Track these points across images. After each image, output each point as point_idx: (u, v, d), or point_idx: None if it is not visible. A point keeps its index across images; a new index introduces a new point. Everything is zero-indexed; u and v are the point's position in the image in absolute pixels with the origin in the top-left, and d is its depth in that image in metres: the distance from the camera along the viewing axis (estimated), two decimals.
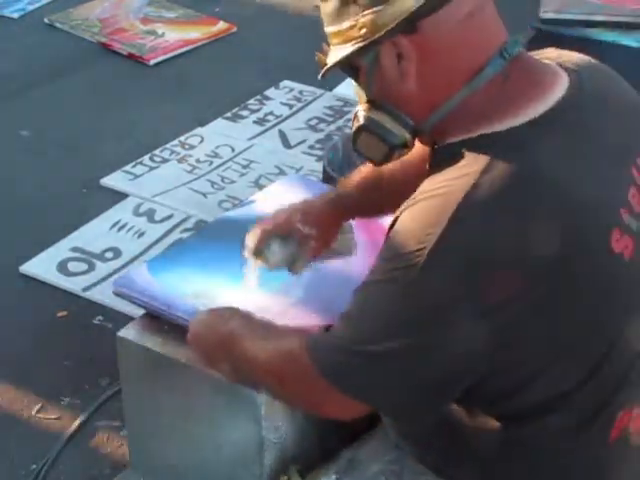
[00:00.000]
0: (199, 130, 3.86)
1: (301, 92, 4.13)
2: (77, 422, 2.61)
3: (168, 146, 3.76)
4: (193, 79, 4.27)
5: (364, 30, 1.53)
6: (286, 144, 3.79)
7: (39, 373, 2.77)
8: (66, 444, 2.56)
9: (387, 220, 2.34)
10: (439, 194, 1.47)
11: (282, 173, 3.55)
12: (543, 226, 1.44)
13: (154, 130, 3.86)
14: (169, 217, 3.36)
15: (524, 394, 1.54)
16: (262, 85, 4.16)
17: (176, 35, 4.58)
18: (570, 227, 1.46)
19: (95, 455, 2.53)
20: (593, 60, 1.70)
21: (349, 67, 1.60)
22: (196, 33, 4.61)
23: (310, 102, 4.06)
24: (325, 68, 1.62)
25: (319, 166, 3.21)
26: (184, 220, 3.34)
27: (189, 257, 2.27)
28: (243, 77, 4.24)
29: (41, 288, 3.07)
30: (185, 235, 3.16)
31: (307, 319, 2.08)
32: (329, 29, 1.59)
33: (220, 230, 2.39)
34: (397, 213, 1.55)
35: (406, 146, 1.61)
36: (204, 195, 3.48)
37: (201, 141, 3.80)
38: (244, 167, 3.64)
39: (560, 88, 1.54)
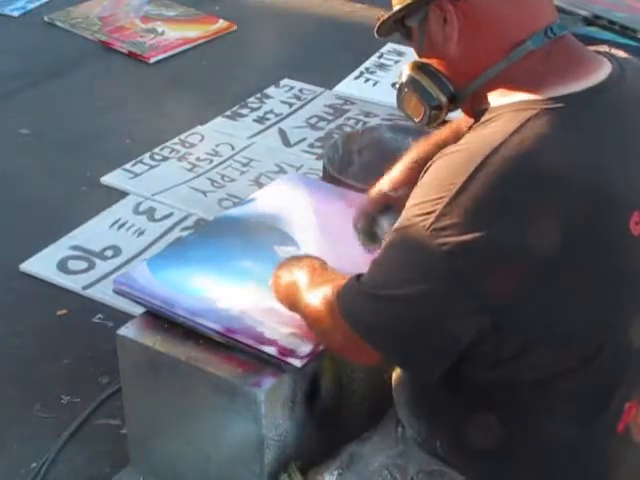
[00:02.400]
0: (199, 128, 3.86)
1: (301, 90, 4.13)
2: (77, 420, 2.61)
3: (168, 144, 3.76)
4: (193, 77, 4.27)
5: None
6: (286, 142, 3.79)
7: (39, 371, 2.76)
8: (66, 443, 2.56)
9: None
10: (468, 148, 1.52)
11: (282, 171, 3.55)
12: (558, 196, 1.46)
13: (154, 128, 3.86)
14: (169, 215, 3.36)
15: (522, 360, 1.55)
16: (262, 83, 4.16)
17: (176, 33, 4.58)
18: (587, 203, 1.48)
19: (95, 453, 2.53)
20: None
21: (402, 26, 1.69)
22: (196, 31, 4.61)
23: (310, 100, 4.06)
24: (379, 22, 1.72)
25: (319, 164, 3.20)
26: (184, 218, 3.34)
27: (189, 255, 2.27)
28: (243, 75, 4.24)
29: (41, 286, 3.07)
30: (185, 233, 3.16)
31: None
32: None
33: (220, 228, 2.39)
34: (429, 163, 1.59)
35: (441, 108, 1.70)
36: (204, 193, 3.47)
37: (201, 139, 3.80)
38: (244, 165, 3.64)
39: (602, 73, 1.57)
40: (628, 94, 1.58)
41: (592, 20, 3.45)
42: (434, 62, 1.67)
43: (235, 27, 4.64)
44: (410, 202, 1.57)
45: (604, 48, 1.70)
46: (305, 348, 1.99)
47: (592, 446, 1.60)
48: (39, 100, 4.08)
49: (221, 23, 4.67)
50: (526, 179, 1.47)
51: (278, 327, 2.04)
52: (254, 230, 2.34)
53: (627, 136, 1.56)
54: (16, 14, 4.77)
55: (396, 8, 1.67)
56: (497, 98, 1.58)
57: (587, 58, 1.60)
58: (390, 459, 1.84)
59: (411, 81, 1.71)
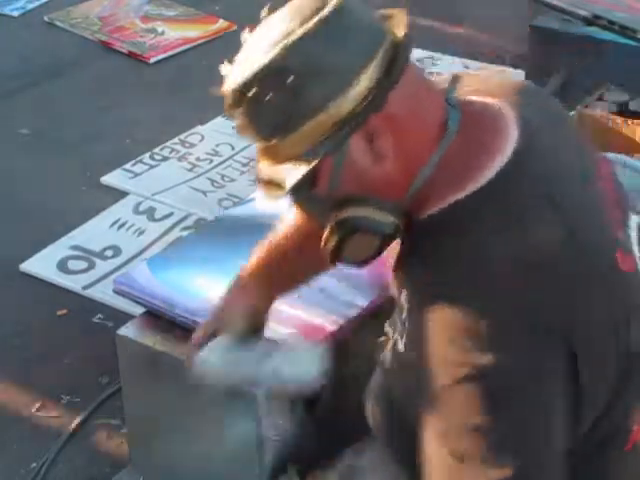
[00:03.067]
0: (199, 128, 3.85)
1: None
2: (77, 420, 2.61)
3: (168, 144, 3.75)
4: (193, 77, 4.26)
5: (328, 125, 1.39)
6: None
7: (39, 371, 2.76)
8: (66, 442, 2.56)
9: None
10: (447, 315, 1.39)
11: None
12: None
13: (154, 128, 3.86)
14: (169, 215, 3.36)
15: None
16: None
17: (176, 33, 4.58)
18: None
19: (95, 453, 2.53)
20: (520, 84, 1.65)
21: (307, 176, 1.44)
22: (196, 31, 4.60)
23: None
24: (291, 186, 1.43)
25: None
26: (184, 218, 3.34)
27: (189, 255, 2.27)
28: None
29: (41, 286, 3.07)
30: (185, 233, 3.16)
31: (307, 316, 2.08)
32: (274, 142, 1.44)
33: (220, 228, 2.39)
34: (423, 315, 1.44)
35: (398, 230, 1.48)
36: (204, 193, 3.47)
37: (201, 139, 3.79)
38: (244, 165, 3.63)
39: (511, 141, 1.46)
40: (539, 159, 1.47)
41: (592, 20, 3.44)
42: (363, 188, 1.45)
43: (235, 27, 4.63)
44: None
45: (475, 82, 1.60)
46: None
47: (604, 469, 1.59)
48: (39, 100, 4.08)
49: (221, 23, 4.67)
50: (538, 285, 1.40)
51: (277, 327, 2.04)
52: (254, 230, 2.34)
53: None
54: (16, 14, 4.77)
55: (308, 157, 1.41)
56: (433, 202, 1.46)
57: (493, 131, 1.48)
58: (387, 474, 1.83)
59: (357, 221, 1.46)
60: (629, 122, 2.67)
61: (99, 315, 2.93)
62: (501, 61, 4.29)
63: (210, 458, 2.11)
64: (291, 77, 1.39)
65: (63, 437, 2.57)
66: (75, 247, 3.22)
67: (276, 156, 1.46)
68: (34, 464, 2.50)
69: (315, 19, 1.41)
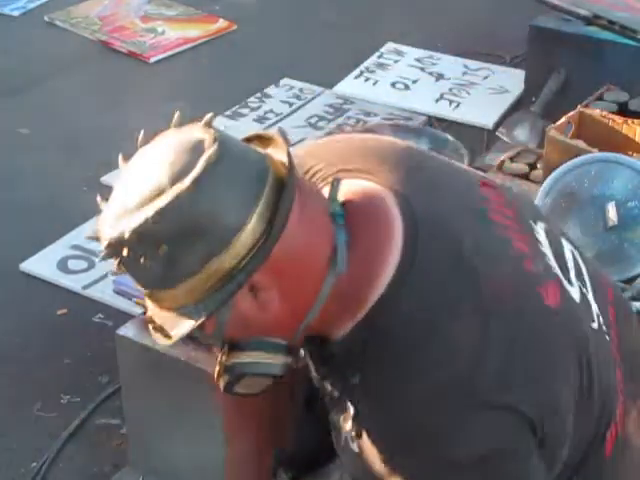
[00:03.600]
0: None
1: (301, 90, 4.13)
2: (77, 420, 2.61)
3: None
4: (193, 77, 4.27)
5: (209, 282, 1.34)
6: (286, 142, 3.78)
7: (39, 371, 2.77)
8: (66, 442, 2.56)
9: None
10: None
11: None
12: None
13: (154, 128, 3.85)
14: None
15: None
16: (262, 83, 4.15)
17: (176, 33, 4.58)
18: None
19: (95, 453, 2.53)
20: (401, 152, 1.59)
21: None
22: (196, 31, 4.60)
23: (310, 100, 4.06)
24: (178, 338, 1.39)
25: None
26: None
27: None
28: (243, 75, 4.24)
29: (41, 286, 3.07)
30: None
31: None
32: (159, 294, 1.38)
33: None
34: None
35: (289, 367, 1.47)
36: None
37: None
38: None
39: (397, 241, 1.43)
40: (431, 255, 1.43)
41: (592, 20, 3.44)
42: (252, 333, 1.43)
43: (235, 26, 4.64)
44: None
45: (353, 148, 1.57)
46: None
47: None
48: (39, 100, 4.08)
49: (221, 22, 4.67)
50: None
51: None
52: None
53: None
54: (16, 14, 4.77)
55: (197, 311, 1.36)
56: (334, 326, 1.45)
57: (376, 249, 1.43)
58: None
59: (246, 367, 1.44)
60: (629, 122, 2.67)
61: (99, 315, 2.93)
62: (501, 61, 4.30)
63: (209, 458, 2.12)
64: (163, 246, 1.32)
65: (63, 436, 2.57)
66: (75, 247, 3.22)
67: (160, 303, 1.40)
68: (34, 463, 2.50)
69: (188, 178, 1.33)
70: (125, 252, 1.35)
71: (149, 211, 1.32)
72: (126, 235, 1.34)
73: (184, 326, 1.37)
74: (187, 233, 1.32)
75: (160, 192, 1.34)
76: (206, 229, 1.32)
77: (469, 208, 1.51)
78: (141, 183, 1.40)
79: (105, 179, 3.56)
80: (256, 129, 3.86)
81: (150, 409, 2.19)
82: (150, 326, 1.44)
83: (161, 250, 1.33)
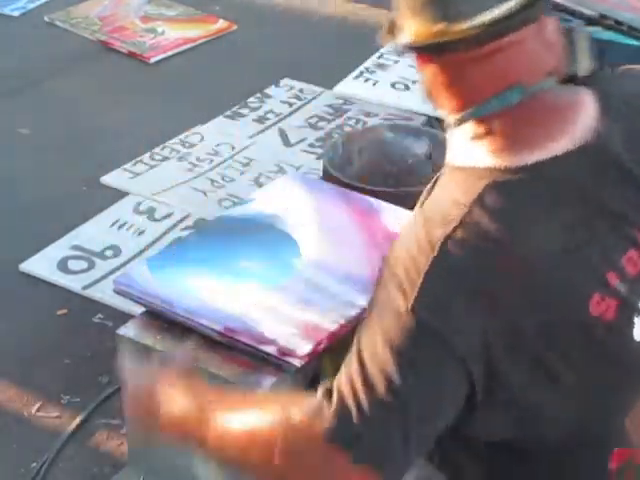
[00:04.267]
0: (199, 128, 3.86)
1: (301, 90, 4.13)
2: (77, 420, 2.61)
3: (168, 144, 3.76)
4: (193, 77, 4.27)
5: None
6: (286, 142, 3.79)
7: (39, 371, 2.77)
8: (66, 442, 2.56)
9: (388, 219, 2.35)
10: (421, 239, 1.43)
11: (282, 171, 3.55)
12: (511, 296, 1.40)
13: (154, 128, 3.86)
14: (169, 215, 3.36)
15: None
16: (262, 83, 4.16)
17: (176, 33, 4.58)
18: (541, 297, 1.42)
19: (95, 453, 2.53)
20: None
21: None
22: (196, 31, 4.60)
23: (310, 100, 4.06)
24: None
25: (319, 164, 3.20)
26: (184, 218, 3.34)
27: (189, 255, 2.28)
28: (243, 75, 4.24)
29: (41, 286, 3.07)
30: (185, 233, 3.16)
31: (307, 316, 2.08)
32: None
33: (220, 228, 2.39)
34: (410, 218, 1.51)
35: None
36: (204, 193, 3.47)
37: (201, 139, 3.79)
38: (244, 165, 3.64)
39: (577, 134, 1.47)
40: (601, 160, 1.48)
41: (598, 20, 3.43)
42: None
43: (235, 27, 4.64)
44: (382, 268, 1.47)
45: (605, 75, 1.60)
46: (305, 348, 1.99)
47: None
48: (39, 100, 4.08)
49: (221, 23, 4.67)
50: (488, 271, 1.41)
51: (278, 327, 2.04)
52: (254, 230, 2.34)
53: (584, 213, 1.47)
54: (16, 14, 4.77)
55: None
56: (454, 154, 1.53)
57: (563, 117, 1.49)
58: None
59: None
60: None
61: (99, 315, 2.93)
62: None
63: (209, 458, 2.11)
64: None
65: (63, 437, 2.57)
66: (75, 247, 3.22)
67: None
68: (34, 464, 2.50)
69: None
70: None
71: None
72: None
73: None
74: None
75: None
76: None
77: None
78: None
79: (105, 179, 3.57)
80: (256, 129, 3.86)
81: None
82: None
83: None
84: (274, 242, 2.29)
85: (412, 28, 1.46)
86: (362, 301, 2.08)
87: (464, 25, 1.41)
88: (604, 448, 1.55)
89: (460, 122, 1.52)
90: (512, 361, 1.41)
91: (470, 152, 1.50)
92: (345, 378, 1.41)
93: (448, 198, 1.46)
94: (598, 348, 1.47)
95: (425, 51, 1.47)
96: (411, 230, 1.47)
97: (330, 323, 2.06)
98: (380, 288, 1.45)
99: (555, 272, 1.43)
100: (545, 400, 1.46)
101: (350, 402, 1.38)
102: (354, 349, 1.44)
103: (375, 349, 1.40)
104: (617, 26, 3.39)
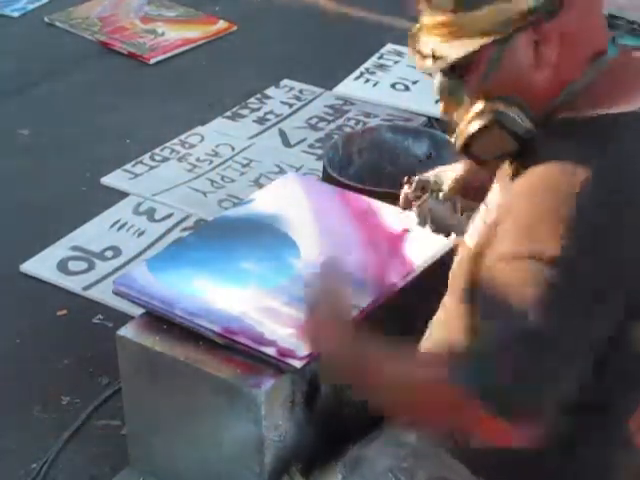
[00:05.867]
0: (199, 129, 3.86)
1: (301, 91, 4.13)
2: (77, 421, 2.61)
3: (168, 145, 3.76)
4: (193, 78, 4.27)
5: (508, 13, 1.48)
6: (286, 143, 3.79)
7: (39, 372, 2.76)
8: (66, 443, 2.56)
9: (387, 220, 2.35)
10: (555, 188, 1.45)
11: (282, 172, 3.55)
12: None
13: (154, 129, 3.86)
14: (169, 216, 3.36)
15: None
16: (262, 84, 4.16)
17: (176, 34, 4.58)
18: None
19: (95, 454, 2.53)
20: None
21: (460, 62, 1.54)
22: (196, 32, 4.60)
23: (310, 101, 4.06)
24: (452, 61, 1.53)
25: (319, 165, 3.20)
26: (184, 219, 3.34)
27: (188, 256, 2.27)
28: (243, 76, 4.24)
29: (41, 287, 3.07)
30: (185, 234, 3.16)
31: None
32: (453, 16, 1.52)
33: (219, 229, 2.39)
34: (514, 190, 1.52)
35: (531, 138, 1.54)
36: (204, 194, 3.47)
37: (201, 140, 3.79)
38: (244, 166, 3.64)
39: None
40: None
41: (608, 20, 3.42)
42: (511, 89, 1.54)
43: (235, 28, 4.64)
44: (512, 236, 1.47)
45: None
46: (304, 349, 1.99)
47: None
48: (39, 100, 4.08)
49: (221, 24, 4.67)
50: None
51: (277, 328, 2.04)
52: (253, 231, 2.34)
53: None
54: (16, 14, 4.77)
55: (474, 43, 1.51)
56: (572, 111, 1.53)
57: None
58: (395, 461, 1.82)
59: (502, 116, 1.53)
60: None
61: (99, 316, 2.93)
62: None
63: (210, 458, 2.12)
64: None
65: (63, 437, 2.57)
66: (75, 248, 3.22)
67: (448, 31, 1.53)
68: (34, 464, 2.50)
69: None
70: None
71: None
72: None
73: (465, 48, 1.51)
74: None
75: None
76: None
77: None
78: None
79: (105, 180, 3.57)
80: (256, 130, 3.86)
81: (150, 410, 2.19)
82: (418, 57, 1.58)
83: None
84: (273, 243, 2.29)
85: None
86: (361, 302, 2.08)
87: None
88: None
89: (567, 97, 1.53)
90: None
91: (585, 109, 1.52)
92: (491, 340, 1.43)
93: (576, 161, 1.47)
94: None
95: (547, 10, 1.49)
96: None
97: None
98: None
99: None
100: None
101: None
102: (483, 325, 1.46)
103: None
104: (628, 25, 3.38)
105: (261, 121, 3.92)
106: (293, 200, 2.44)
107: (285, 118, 3.94)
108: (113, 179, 3.57)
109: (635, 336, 1.50)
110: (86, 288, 3.04)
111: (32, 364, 2.79)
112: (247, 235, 2.33)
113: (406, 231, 2.27)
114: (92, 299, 3.00)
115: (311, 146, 3.75)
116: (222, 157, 3.69)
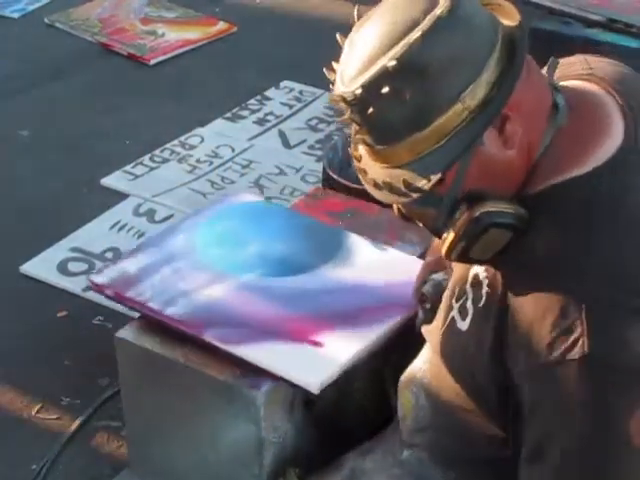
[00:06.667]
0: (199, 130, 3.86)
1: (301, 92, 4.13)
2: (77, 422, 2.61)
3: (168, 146, 3.76)
4: (193, 79, 4.27)
5: (461, 117, 1.38)
6: (286, 144, 3.79)
7: (39, 373, 2.77)
8: (66, 444, 2.56)
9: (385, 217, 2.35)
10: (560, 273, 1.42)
11: (282, 173, 3.55)
12: None
13: (154, 130, 3.86)
14: (169, 217, 3.36)
15: None
16: (262, 85, 4.16)
17: (176, 35, 4.58)
18: None
19: (95, 455, 2.53)
20: (626, 70, 1.65)
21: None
22: (196, 33, 4.61)
23: (310, 102, 4.06)
24: (422, 188, 1.40)
25: (319, 166, 3.21)
26: None
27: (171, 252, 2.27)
28: (243, 77, 4.24)
29: (41, 288, 3.07)
30: None
31: (304, 324, 2.08)
32: (397, 144, 1.41)
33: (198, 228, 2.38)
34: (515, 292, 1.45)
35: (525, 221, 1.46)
36: (204, 195, 3.48)
37: (201, 141, 3.80)
38: (244, 167, 3.64)
39: (617, 125, 1.49)
40: None
41: (607, 24, 3.42)
42: (487, 181, 1.45)
43: (235, 29, 4.64)
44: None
45: (578, 63, 1.66)
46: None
47: None
48: (39, 101, 4.08)
49: (221, 25, 4.67)
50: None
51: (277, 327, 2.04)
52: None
53: None
54: (16, 16, 4.77)
55: (447, 151, 1.39)
56: (543, 179, 1.47)
57: (602, 114, 1.51)
58: (392, 477, 1.82)
59: (495, 216, 1.44)
60: None
61: (99, 317, 2.93)
62: None
63: (209, 460, 2.12)
64: (429, 69, 1.36)
65: (63, 439, 2.57)
66: (75, 249, 3.22)
67: (397, 158, 1.43)
68: (34, 466, 2.51)
69: (438, 12, 1.38)
70: (386, 89, 1.38)
71: (412, 40, 1.37)
72: (390, 65, 1.38)
73: (431, 171, 1.39)
74: (447, 59, 1.37)
75: (414, 24, 1.38)
76: (462, 56, 1.38)
77: None
78: (386, 25, 1.43)
79: (105, 181, 3.57)
80: (256, 131, 3.86)
81: (150, 411, 2.19)
82: (374, 190, 1.45)
83: (427, 73, 1.36)
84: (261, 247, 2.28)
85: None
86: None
87: None
88: None
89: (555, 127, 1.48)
90: None
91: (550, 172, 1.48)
92: None
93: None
94: None
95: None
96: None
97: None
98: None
99: None
100: None
101: None
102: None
103: None
104: (627, 29, 3.38)
105: (261, 122, 3.92)
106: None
107: (285, 119, 3.95)
108: (113, 180, 3.57)
109: None
110: (86, 289, 3.04)
111: (32, 365, 2.80)
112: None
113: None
114: (92, 300, 2.99)
115: (311, 147, 3.75)
116: (222, 158, 3.69)
